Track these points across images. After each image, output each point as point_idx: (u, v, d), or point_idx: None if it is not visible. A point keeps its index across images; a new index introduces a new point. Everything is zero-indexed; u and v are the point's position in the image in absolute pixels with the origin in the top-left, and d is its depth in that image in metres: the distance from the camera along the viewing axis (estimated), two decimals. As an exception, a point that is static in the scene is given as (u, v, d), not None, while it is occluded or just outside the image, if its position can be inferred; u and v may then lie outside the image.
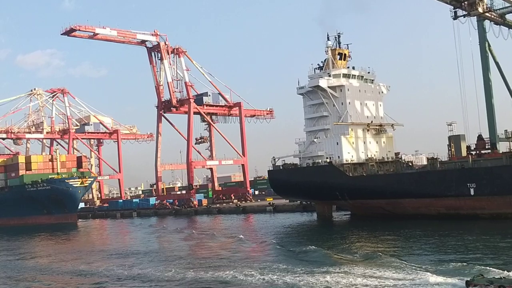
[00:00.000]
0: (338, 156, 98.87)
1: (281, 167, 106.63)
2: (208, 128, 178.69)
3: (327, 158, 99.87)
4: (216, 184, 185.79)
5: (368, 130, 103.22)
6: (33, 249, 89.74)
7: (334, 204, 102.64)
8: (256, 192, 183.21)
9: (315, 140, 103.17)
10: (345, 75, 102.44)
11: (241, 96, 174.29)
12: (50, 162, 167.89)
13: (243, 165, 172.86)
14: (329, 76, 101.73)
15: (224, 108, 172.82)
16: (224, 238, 78.12)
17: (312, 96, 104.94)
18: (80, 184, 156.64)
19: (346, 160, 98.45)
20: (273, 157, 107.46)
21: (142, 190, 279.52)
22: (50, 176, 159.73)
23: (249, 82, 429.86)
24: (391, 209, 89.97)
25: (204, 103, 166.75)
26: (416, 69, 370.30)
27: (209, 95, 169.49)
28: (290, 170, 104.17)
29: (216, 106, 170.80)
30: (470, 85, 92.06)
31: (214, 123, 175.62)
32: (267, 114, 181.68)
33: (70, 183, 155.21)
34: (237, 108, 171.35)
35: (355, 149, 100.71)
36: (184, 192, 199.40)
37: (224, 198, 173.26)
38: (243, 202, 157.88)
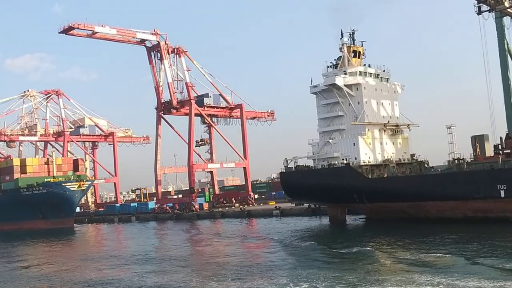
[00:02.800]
0: (355, 158, 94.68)
1: (293, 169, 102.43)
2: (208, 130, 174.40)
3: (343, 159, 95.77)
4: (216, 187, 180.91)
5: (384, 131, 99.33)
6: (36, 255, 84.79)
7: (350, 207, 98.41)
8: (256, 196, 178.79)
9: (330, 140, 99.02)
10: (361, 73, 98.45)
11: (242, 98, 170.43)
12: (46, 165, 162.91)
13: (244, 168, 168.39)
14: (345, 74, 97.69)
15: (225, 110, 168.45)
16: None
17: (326, 95, 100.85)
18: (78, 187, 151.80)
19: (363, 162, 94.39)
20: (285, 158, 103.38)
21: (137, 195, 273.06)
22: (46, 180, 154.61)
23: (248, 84, 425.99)
24: (413, 212, 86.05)
25: (205, 104, 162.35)
26: (422, 70, 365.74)
27: (210, 96, 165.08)
28: (304, 172, 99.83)
29: (217, 107, 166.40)
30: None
31: (214, 125, 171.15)
32: (268, 116, 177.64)
33: (67, 186, 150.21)
34: (238, 110, 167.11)
35: (372, 150, 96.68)
36: (180, 196, 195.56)
37: (224, 202, 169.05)
38: (246, 206, 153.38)
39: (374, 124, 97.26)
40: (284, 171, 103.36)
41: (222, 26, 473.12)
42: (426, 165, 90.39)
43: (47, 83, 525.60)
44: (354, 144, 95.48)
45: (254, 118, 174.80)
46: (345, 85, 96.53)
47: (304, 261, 54.96)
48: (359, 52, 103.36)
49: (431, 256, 51.52)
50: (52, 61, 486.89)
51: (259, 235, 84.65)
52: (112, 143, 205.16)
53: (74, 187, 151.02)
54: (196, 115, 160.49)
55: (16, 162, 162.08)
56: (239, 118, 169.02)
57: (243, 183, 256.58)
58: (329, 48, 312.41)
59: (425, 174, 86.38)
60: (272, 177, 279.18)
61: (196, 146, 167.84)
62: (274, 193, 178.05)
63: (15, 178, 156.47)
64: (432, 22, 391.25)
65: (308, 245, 66.30)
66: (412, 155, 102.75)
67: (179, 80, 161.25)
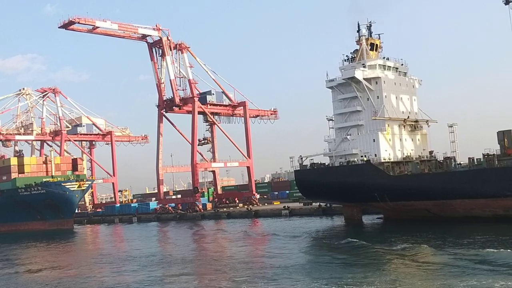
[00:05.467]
0: (375, 154, 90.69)
1: (308, 167, 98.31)
2: (210, 129, 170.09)
3: (362, 156, 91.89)
4: (219, 187, 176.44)
5: (404, 126, 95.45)
6: (37, 259, 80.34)
7: (369, 206, 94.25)
8: (257, 196, 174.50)
9: (348, 137, 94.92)
10: (381, 66, 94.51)
11: (245, 96, 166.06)
12: (44, 165, 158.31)
13: (248, 167, 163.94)
14: (364, 67, 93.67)
15: (228, 108, 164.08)
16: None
17: (343, 90, 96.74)
18: (78, 187, 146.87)
19: (384, 159, 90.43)
20: (300, 156, 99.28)
21: (134, 195, 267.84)
22: (44, 180, 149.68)
23: (248, 82, 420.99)
24: (437, 211, 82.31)
25: (207, 102, 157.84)
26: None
27: (213, 94, 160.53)
28: (320, 169, 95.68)
29: (220, 105, 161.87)
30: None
31: (217, 123, 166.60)
32: (271, 114, 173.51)
33: (67, 186, 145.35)
34: (241, 108, 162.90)
35: (391, 146, 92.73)
36: (179, 196, 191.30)
37: (227, 202, 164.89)
38: (251, 206, 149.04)
39: (394, 119, 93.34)
40: (298, 169, 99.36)
41: (223, 23, 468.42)
42: (453, 161, 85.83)
43: (38, 83, 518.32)
44: (374, 140, 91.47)
45: (257, 116, 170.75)
46: (364, 79, 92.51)
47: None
48: (376, 45, 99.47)
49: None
50: (43, 61, 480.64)
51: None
52: (109, 142, 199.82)
53: (74, 187, 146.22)
54: (198, 113, 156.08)
55: (14, 161, 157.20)
56: (242, 117, 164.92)
57: (239, 183, 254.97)
58: (331, 45, 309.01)
59: (453, 171, 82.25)
60: (265, 178, 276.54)
61: (198, 145, 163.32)
62: (277, 192, 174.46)
63: (12, 178, 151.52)
64: (437, 19, 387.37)
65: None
66: (431, 152, 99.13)
67: (182, 77, 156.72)
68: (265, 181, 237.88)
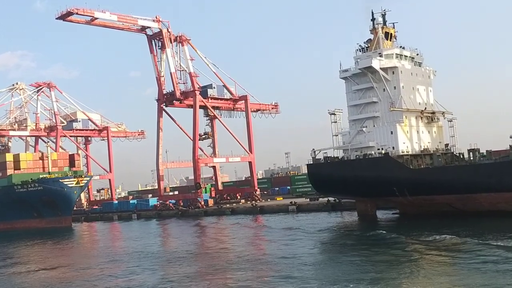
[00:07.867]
0: (393, 147, 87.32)
1: (321, 161, 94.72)
2: (210, 124, 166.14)
3: (378, 149, 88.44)
4: (219, 183, 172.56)
5: (421, 118, 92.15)
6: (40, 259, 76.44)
7: (386, 201, 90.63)
8: (259, 192, 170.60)
9: (363, 129, 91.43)
10: (397, 56, 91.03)
11: (246, 89, 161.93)
12: (41, 161, 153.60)
13: (250, 162, 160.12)
14: (380, 56, 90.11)
15: (229, 102, 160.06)
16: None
17: (358, 80, 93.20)
18: (76, 184, 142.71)
19: (402, 151, 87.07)
20: (313, 149, 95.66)
21: (129, 191, 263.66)
22: (41, 176, 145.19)
23: (249, 75, 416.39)
24: (460, 206, 79.02)
25: (209, 95, 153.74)
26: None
27: (214, 88, 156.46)
28: (335, 163, 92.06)
29: (221, 99, 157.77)
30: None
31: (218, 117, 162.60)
32: (272, 108, 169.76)
33: (65, 183, 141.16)
34: (243, 101, 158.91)
35: (409, 139, 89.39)
36: (176, 193, 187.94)
37: (228, 198, 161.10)
38: (254, 202, 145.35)
39: (412, 111, 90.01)
40: (311, 162, 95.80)
41: (224, 15, 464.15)
42: (477, 153, 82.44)
43: (28, 80, 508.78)
44: (391, 132, 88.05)
45: (258, 110, 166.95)
46: (381, 68, 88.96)
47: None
48: (391, 34, 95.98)
49: None
50: (33, 58, 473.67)
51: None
52: (106, 138, 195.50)
53: (72, 184, 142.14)
54: (199, 107, 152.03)
55: (9, 157, 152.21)
56: (243, 111, 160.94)
57: (233, 179, 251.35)
58: (331, 39, 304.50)
59: (478, 164, 78.97)
60: (257, 174, 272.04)
61: (198, 140, 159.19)
62: (277, 188, 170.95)
63: (8, 174, 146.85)
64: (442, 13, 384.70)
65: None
66: (446, 145, 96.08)
67: (182, 70, 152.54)
68: (263, 177, 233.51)
